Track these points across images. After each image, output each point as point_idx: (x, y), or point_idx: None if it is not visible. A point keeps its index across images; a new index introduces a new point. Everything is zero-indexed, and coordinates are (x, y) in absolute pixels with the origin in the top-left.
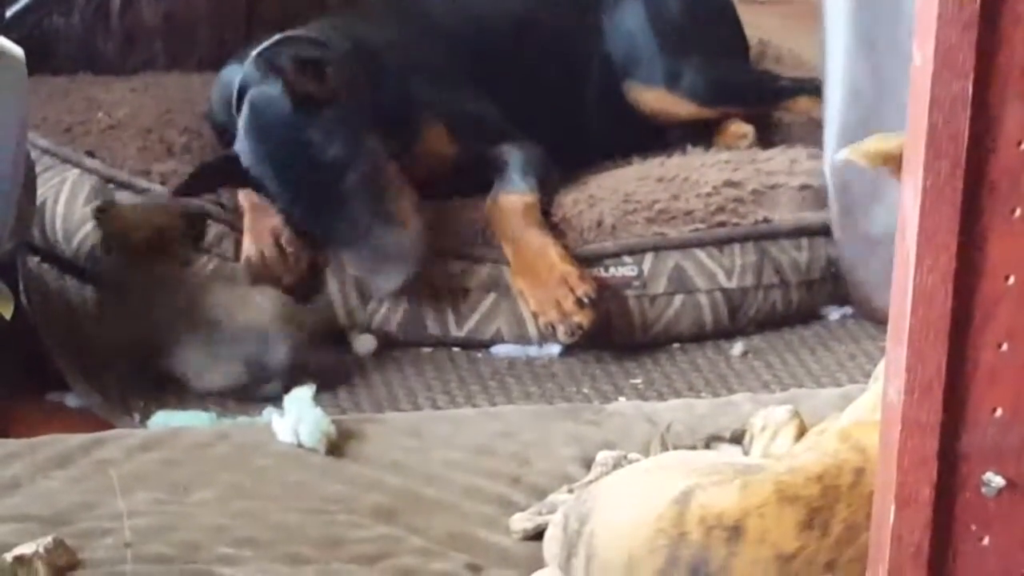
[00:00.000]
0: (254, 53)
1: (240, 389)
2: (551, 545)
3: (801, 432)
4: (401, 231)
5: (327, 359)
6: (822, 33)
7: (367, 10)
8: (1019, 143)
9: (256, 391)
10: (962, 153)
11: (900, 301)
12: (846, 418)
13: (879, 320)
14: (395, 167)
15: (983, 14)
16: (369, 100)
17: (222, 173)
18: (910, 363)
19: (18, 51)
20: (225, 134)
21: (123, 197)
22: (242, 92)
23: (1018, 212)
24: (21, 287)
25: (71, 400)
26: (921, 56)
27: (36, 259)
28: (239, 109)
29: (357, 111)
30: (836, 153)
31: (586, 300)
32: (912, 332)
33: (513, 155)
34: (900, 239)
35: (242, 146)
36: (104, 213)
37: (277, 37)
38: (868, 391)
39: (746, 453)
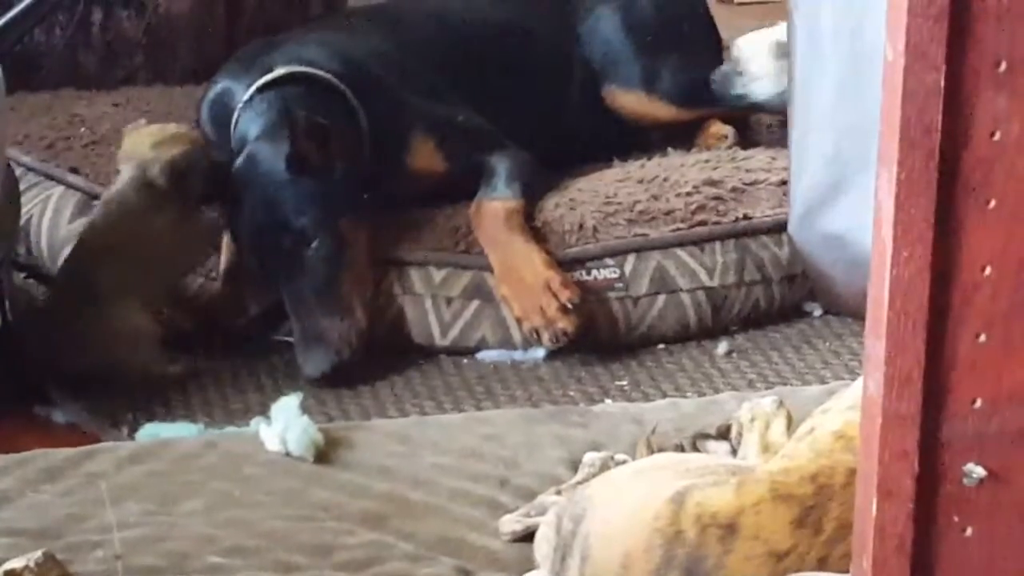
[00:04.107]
0: (260, 83)
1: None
2: (542, 546)
3: (790, 421)
4: (339, 321)
5: None
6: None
7: (349, 22)
8: (992, 134)
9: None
10: (936, 145)
11: (877, 294)
12: (835, 410)
13: (846, 314)
14: (364, 251)
15: (953, 6)
16: (358, 172)
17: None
18: (889, 355)
19: None
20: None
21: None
22: (239, 116)
23: (993, 203)
24: (6, 303)
25: (58, 414)
26: (893, 50)
27: (22, 275)
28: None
29: (342, 189)
30: (798, 147)
31: (570, 306)
32: (890, 324)
33: (500, 163)
34: (876, 232)
35: (231, 182)
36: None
37: (280, 71)
38: (858, 382)
39: (734, 447)
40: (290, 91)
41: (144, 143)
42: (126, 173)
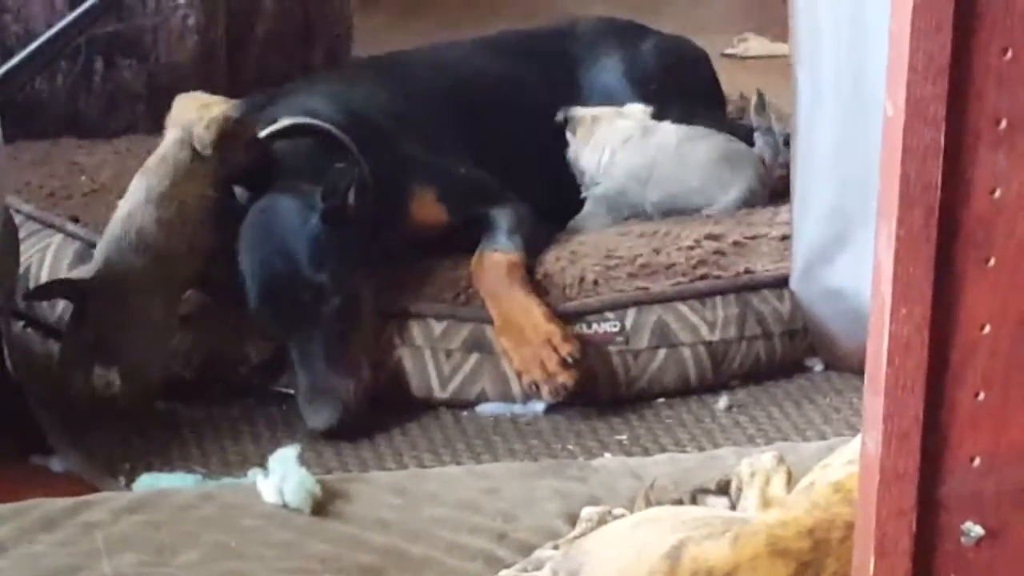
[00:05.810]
0: (264, 134)
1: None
2: None
3: (789, 477)
4: (345, 378)
5: None
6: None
7: (352, 73)
8: (992, 192)
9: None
10: (935, 202)
11: (876, 351)
12: (835, 465)
13: (847, 369)
14: (372, 305)
15: (954, 64)
16: (371, 228)
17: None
18: (887, 412)
19: None
20: None
21: None
22: None
23: (992, 261)
24: (5, 351)
25: (55, 464)
26: (892, 106)
27: (20, 324)
28: None
29: (357, 243)
30: (800, 200)
31: (570, 360)
32: (888, 381)
33: (501, 215)
34: (875, 288)
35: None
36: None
37: (285, 123)
38: (859, 437)
39: (733, 502)
40: (295, 142)
41: (192, 107)
42: (171, 135)
